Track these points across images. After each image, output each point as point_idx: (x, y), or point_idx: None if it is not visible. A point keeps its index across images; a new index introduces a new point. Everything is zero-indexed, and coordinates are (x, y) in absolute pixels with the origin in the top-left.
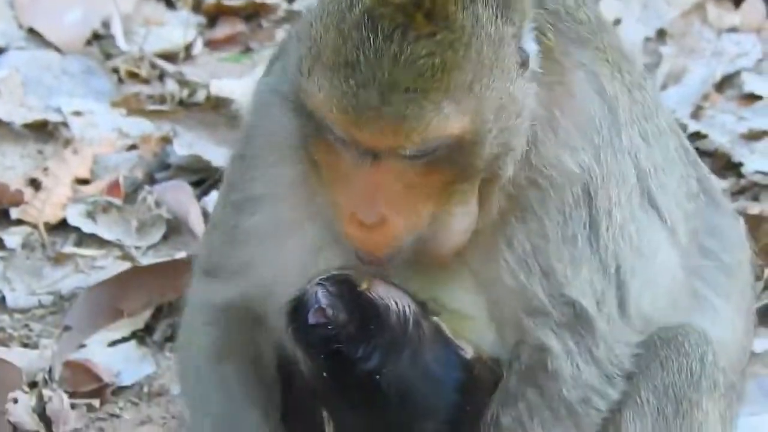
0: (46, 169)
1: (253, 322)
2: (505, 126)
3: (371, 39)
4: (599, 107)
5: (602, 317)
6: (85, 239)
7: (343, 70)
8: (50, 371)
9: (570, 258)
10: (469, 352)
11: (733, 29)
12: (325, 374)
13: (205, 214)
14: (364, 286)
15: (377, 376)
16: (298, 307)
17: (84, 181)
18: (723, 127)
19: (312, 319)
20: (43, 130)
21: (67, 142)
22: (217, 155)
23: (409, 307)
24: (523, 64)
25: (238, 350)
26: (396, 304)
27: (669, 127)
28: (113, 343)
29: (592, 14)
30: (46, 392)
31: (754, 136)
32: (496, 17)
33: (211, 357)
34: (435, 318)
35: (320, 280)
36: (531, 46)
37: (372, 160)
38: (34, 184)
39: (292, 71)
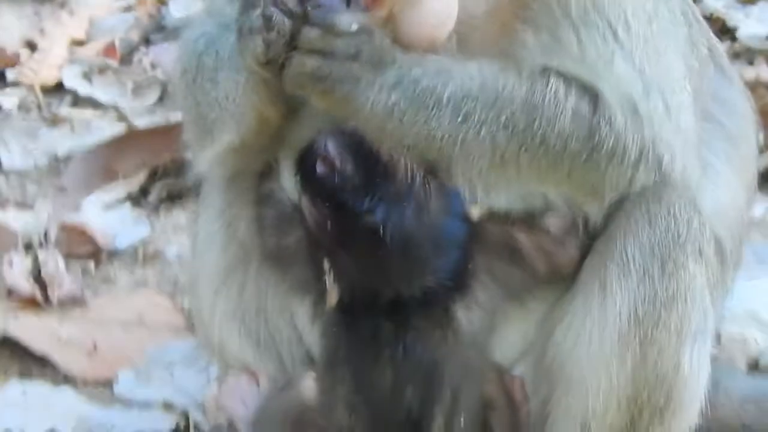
0: (42, 31)
1: None
2: None
3: None
4: None
5: (648, 107)
6: (81, 101)
7: None
8: (45, 233)
9: (597, 55)
10: (475, 213)
11: None
12: (329, 225)
13: None
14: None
15: (381, 229)
16: (307, 156)
17: (80, 43)
18: None
19: (319, 168)
20: None
21: (63, 4)
22: None
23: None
24: None
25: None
26: (404, 158)
27: None
28: (109, 206)
29: None
30: (41, 255)
31: (749, 0)
32: None
33: None
34: (442, 176)
35: (331, 130)
36: None
37: None
38: (30, 45)
39: None
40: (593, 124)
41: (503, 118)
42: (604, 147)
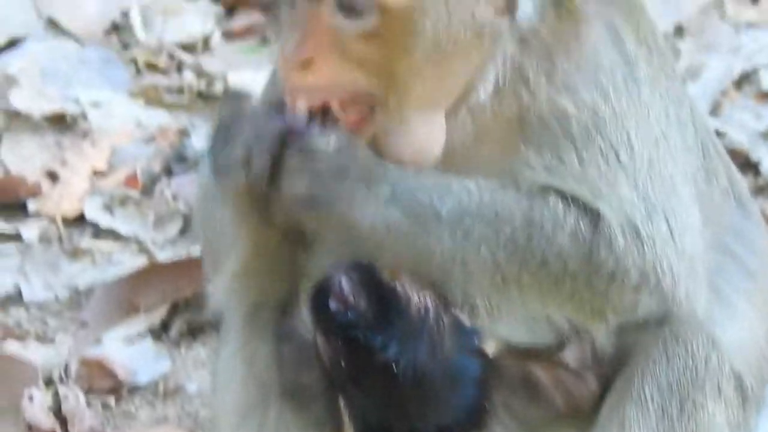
0: (63, 161)
1: None
2: (452, 34)
3: None
4: (613, 57)
5: (650, 230)
6: (102, 233)
7: None
8: (66, 368)
9: (598, 176)
10: (491, 348)
11: (751, 25)
12: (343, 361)
13: None
14: (387, 275)
15: (394, 366)
16: (321, 292)
17: (102, 174)
18: (741, 125)
19: (333, 305)
20: (61, 121)
21: (85, 134)
22: None
23: (431, 299)
24: (509, 7)
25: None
26: (418, 296)
27: (695, 122)
28: (129, 340)
29: None
30: (62, 390)
31: None
32: None
33: None
34: (457, 312)
35: (345, 266)
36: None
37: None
38: (52, 176)
39: None
40: (593, 244)
41: (503, 236)
42: (604, 268)
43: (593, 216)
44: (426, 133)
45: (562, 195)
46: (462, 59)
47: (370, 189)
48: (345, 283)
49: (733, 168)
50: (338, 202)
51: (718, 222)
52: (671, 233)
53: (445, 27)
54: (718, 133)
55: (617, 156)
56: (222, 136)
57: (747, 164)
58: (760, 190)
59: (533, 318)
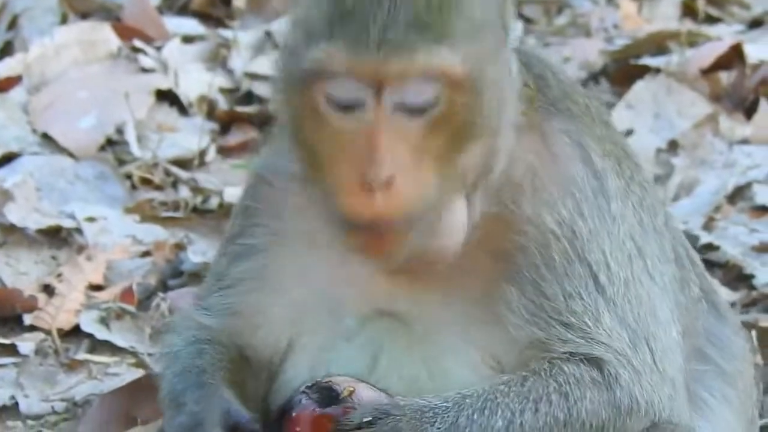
0: (59, 275)
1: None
2: (498, 95)
3: None
4: (582, 171)
5: (638, 359)
6: (99, 346)
7: (346, 13)
8: None
9: (583, 310)
10: None
11: (744, 141)
12: None
13: None
14: (345, 393)
15: None
16: (283, 414)
17: (97, 288)
18: (734, 239)
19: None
20: (56, 236)
21: (81, 249)
22: None
23: None
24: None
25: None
26: None
27: (670, 232)
28: None
29: (592, 105)
30: None
31: (765, 248)
32: None
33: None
34: None
35: (304, 387)
36: (513, 63)
37: (374, 100)
38: (48, 290)
39: (280, 51)
40: (608, 385)
41: (549, 417)
42: (623, 404)
43: (596, 362)
44: (455, 217)
45: (569, 356)
46: (498, 138)
47: None
48: (305, 403)
49: (707, 275)
50: None
51: (694, 329)
52: (654, 358)
53: (497, 100)
54: (712, 247)
55: (596, 280)
56: None
57: (740, 277)
58: (753, 302)
59: None
